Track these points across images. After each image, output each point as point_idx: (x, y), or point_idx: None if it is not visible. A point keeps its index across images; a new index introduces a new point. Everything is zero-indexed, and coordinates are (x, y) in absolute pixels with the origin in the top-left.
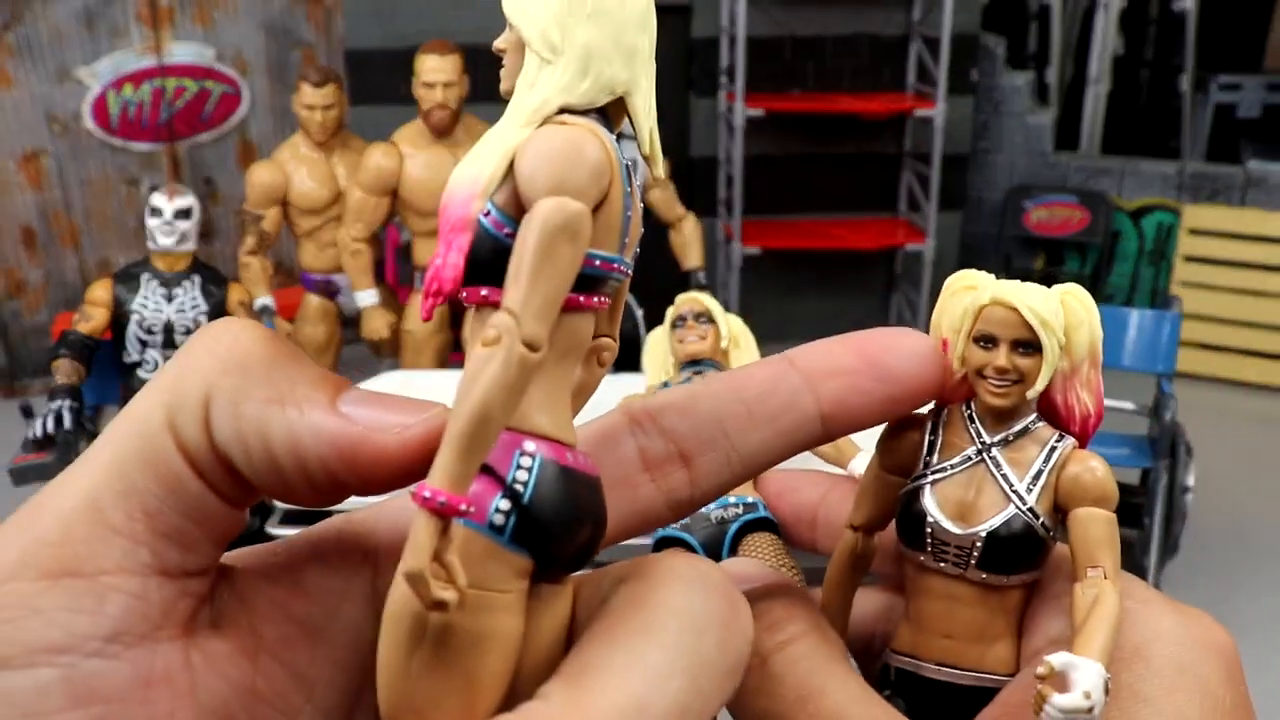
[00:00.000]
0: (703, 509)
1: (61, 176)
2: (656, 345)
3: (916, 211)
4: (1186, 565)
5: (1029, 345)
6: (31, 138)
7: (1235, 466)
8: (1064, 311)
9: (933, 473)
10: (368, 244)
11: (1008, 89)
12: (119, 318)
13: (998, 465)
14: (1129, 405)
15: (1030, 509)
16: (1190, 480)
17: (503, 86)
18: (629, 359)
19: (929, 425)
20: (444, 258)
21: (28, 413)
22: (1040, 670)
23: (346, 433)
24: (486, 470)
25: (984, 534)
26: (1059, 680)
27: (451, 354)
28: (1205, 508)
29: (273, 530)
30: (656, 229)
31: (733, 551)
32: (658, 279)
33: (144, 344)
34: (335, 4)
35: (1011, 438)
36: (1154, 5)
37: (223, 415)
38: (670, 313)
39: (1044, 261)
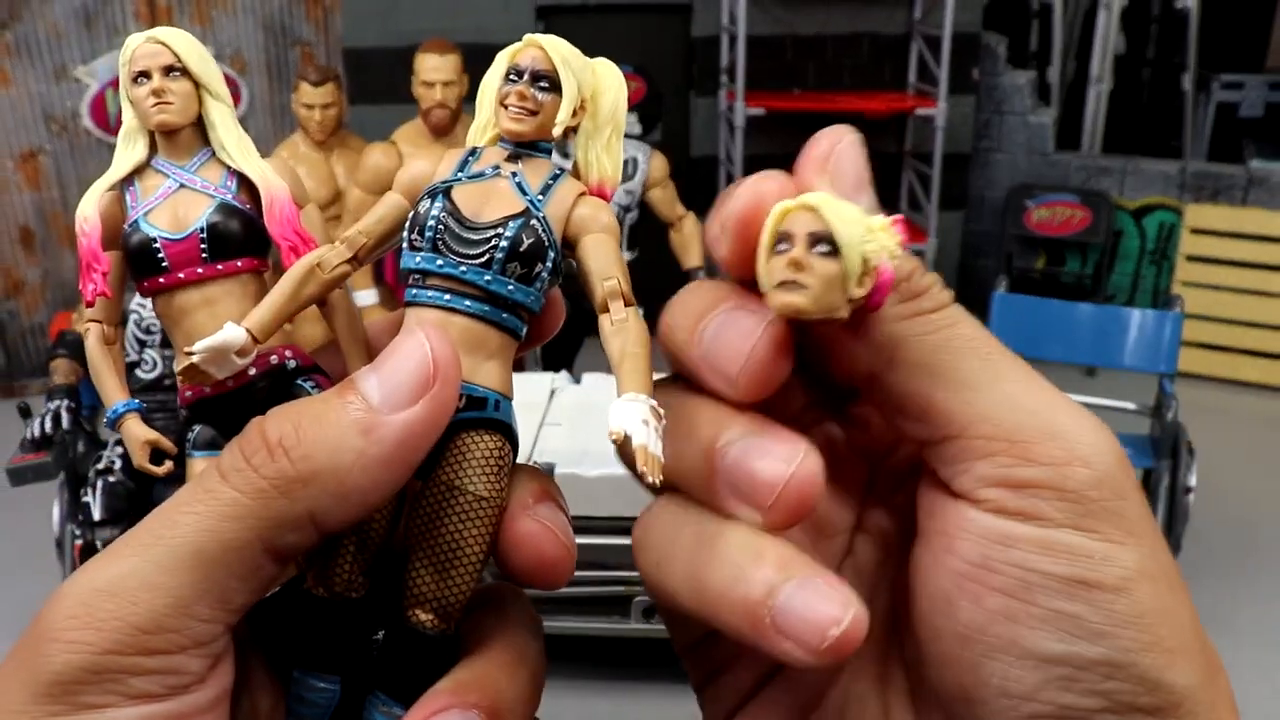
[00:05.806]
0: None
1: (59, 176)
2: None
3: (918, 211)
4: (1188, 566)
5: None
6: (29, 137)
7: (1237, 467)
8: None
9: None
10: None
11: (1009, 88)
12: None
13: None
14: (1130, 405)
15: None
16: (1192, 481)
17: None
18: None
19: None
20: None
21: (25, 413)
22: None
23: None
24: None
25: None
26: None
27: None
28: (1207, 508)
29: None
30: (657, 229)
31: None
32: (657, 279)
33: (142, 344)
34: (334, 2)
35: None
36: (1156, 4)
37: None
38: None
39: (1045, 261)
